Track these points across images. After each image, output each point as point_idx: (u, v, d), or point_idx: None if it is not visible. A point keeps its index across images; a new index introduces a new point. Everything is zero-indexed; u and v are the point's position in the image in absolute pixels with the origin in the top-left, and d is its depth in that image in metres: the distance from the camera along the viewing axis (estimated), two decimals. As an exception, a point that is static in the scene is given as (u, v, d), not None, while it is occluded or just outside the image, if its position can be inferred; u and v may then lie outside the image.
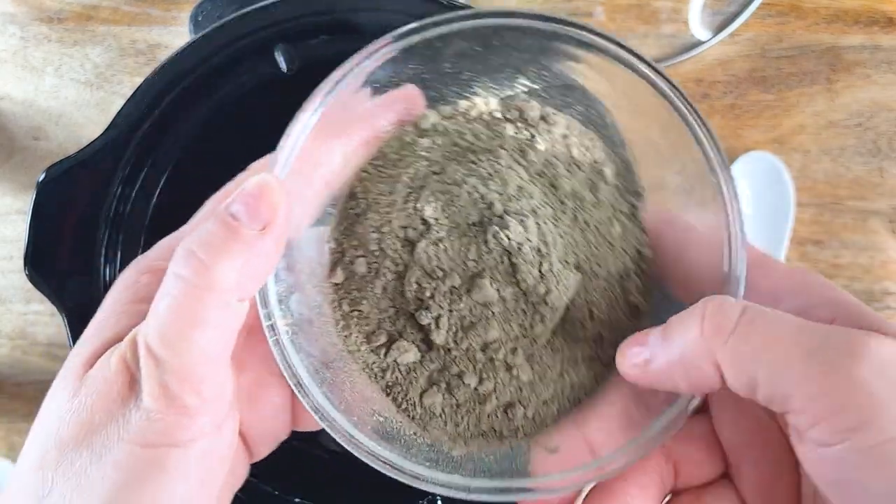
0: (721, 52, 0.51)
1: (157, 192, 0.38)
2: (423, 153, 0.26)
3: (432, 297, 0.24)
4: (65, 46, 0.50)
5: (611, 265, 0.25)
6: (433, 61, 0.25)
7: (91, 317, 0.37)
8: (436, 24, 0.24)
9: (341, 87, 0.24)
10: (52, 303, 0.36)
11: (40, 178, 0.36)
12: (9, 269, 0.49)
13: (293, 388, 0.23)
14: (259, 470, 0.38)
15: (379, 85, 0.25)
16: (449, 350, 0.24)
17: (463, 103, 0.27)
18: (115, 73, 0.50)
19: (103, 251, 0.37)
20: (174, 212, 0.40)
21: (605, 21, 0.51)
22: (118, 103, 0.37)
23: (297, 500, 0.38)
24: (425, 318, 0.24)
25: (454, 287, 0.24)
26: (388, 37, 0.24)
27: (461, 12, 0.24)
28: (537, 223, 0.24)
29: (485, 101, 0.26)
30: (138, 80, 0.37)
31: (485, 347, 0.24)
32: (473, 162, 0.25)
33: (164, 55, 0.45)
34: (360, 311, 0.25)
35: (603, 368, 0.25)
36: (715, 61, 0.51)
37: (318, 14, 0.37)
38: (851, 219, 0.51)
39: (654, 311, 0.25)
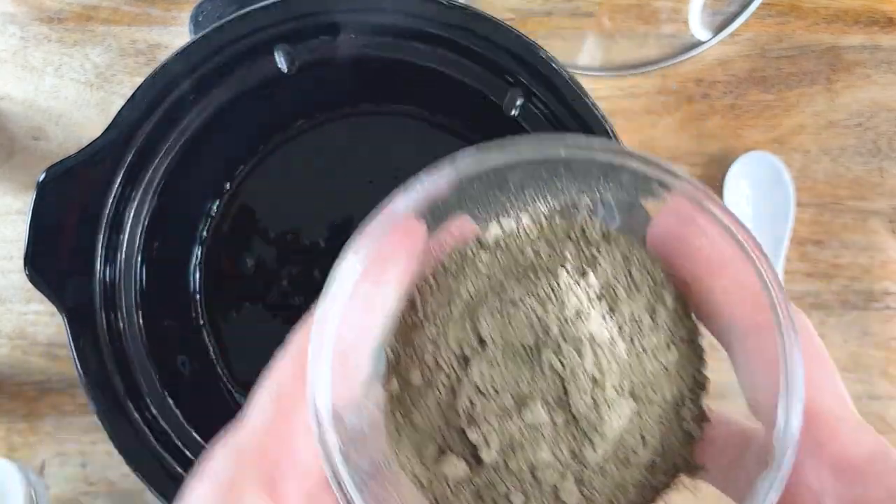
0: (721, 52, 0.51)
1: (157, 193, 0.38)
2: (483, 269, 0.26)
3: (483, 414, 0.24)
4: (65, 46, 0.50)
5: (666, 391, 0.25)
6: (498, 180, 0.25)
7: (90, 316, 0.37)
8: (500, 149, 0.24)
9: (395, 214, 0.25)
10: (52, 303, 0.36)
11: (40, 179, 0.36)
12: (9, 269, 0.49)
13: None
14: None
15: (439, 208, 0.25)
16: (497, 468, 0.25)
17: (526, 219, 0.27)
18: (115, 73, 0.50)
19: (103, 251, 0.37)
20: (174, 212, 0.40)
21: (605, 21, 0.52)
22: (118, 103, 0.37)
23: (297, 500, 0.38)
24: (475, 435, 0.24)
25: (506, 407, 0.24)
26: (448, 162, 0.25)
27: (525, 142, 0.24)
28: (593, 349, 0.24)
29: (547, 219, 0.27)
30: (138, 81, 0.37)
31: (533, 469, 0.24)
32: (533, 281, 0.25)
33: (164, 55, 0.45)
34: (411, 421, 0.25)
35: (654, 495, 0.25)
36: (715, 61, 0.51)
37: (318, 14, 0.37)
38: (851, 219, 0.51)
39: (707, 436, 0.25)
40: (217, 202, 0.42)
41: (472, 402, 0.24)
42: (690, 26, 0.51)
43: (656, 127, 0.51)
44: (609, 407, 0.24)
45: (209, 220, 0.42)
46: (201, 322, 0.41)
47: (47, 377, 0.48)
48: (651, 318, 0.25)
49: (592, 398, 0.24)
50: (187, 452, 0.37)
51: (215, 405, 0.41)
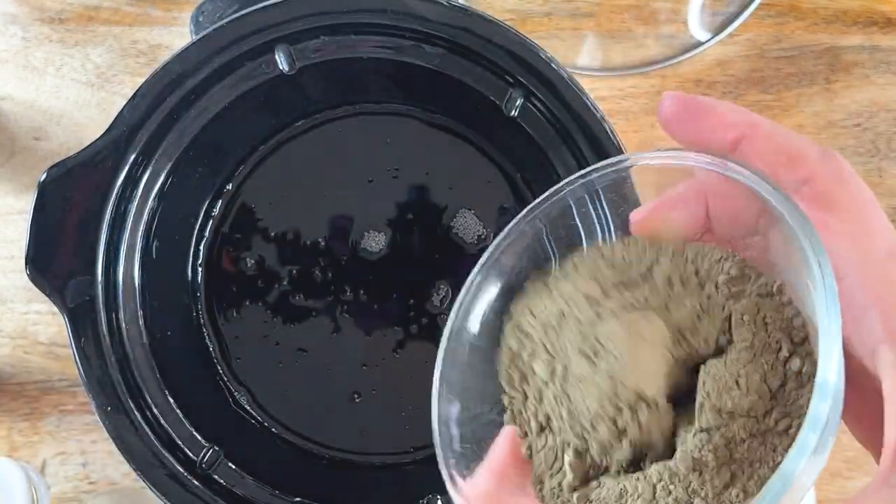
0: (720, 52, 0.51)
1: (158, 193, 0.39)
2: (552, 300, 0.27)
3: (553, 394, 0.25)
4: (66, 47, 0.50)
5: (751, 337, 0.24)
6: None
7: (92, 316, 0.38)
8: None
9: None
10: (54, 302, 0.36)
11: (41, 179, 0.36)
12: (10, 269, 0.49)
13: None
14: (259, 470, 0.39)
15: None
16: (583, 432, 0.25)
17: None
18: (116, 73, 0.50)
19: (104, 251, 0.37)
20: (175, 211, 0.40)
21: (604, 22, 0.52)
22: (119, 104, 0.37)
23: (297, 499, 0.38)
24: (553, 411, 0.25)
25: (564, 375, 0.25)
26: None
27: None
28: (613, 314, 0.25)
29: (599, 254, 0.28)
30: (139, 81, 0.37)
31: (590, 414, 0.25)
32: (573, 300, 0.26)
33: (164, 56, 0.45)
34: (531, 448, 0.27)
35: (783, 440, 0.25)
36: (714, 62, 0.52)
37: (319, 15, 0.37)
38: (850, 219, 0.51)
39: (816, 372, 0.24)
40: (217, 202, 0.42)
41: (556, 399, 0.25)
42: (689, 27, 0.51)
43: (656, 127, 0.51)
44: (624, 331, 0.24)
45: (210, 219, 0.42)
46: (201, 321, 0.41)
47: (48, 377, 0.48)
48: (680, 281, 0.25)
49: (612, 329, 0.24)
50: (188, 451, 0.37)
51: (216, 404, 0.41)
